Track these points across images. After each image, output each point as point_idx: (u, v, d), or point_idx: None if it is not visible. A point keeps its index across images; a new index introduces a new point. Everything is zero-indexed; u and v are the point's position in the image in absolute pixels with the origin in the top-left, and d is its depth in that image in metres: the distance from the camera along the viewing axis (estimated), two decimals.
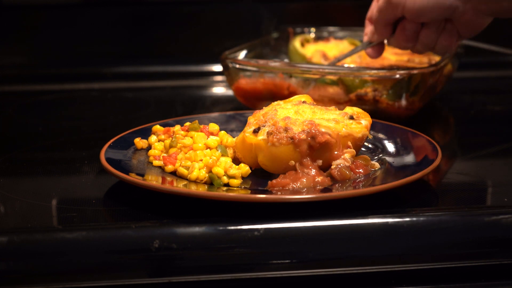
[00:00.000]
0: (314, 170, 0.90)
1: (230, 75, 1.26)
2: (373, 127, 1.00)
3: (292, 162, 0.90)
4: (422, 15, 1.07)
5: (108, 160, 0.92)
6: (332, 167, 0.91)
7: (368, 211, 0.82)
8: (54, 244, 0.79)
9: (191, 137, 0.97)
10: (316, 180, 0.89)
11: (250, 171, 0.93)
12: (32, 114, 1.39)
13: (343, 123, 0.93)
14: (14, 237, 0.78)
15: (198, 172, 0.91)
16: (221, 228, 0.80)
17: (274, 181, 0.88)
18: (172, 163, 0.94)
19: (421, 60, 1.31)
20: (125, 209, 0.87)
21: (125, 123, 1.24)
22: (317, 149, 0.90)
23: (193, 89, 1.58)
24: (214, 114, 1.13)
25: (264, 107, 0.99)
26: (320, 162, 0.91)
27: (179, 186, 0.88)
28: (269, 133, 0.91)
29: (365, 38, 1.19)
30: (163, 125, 1.03)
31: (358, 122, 0.94)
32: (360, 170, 0.91)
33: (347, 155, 0.92)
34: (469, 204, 0.89)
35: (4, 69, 1.59)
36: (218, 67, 1.58)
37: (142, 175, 0.91)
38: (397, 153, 0.99)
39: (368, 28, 1.18)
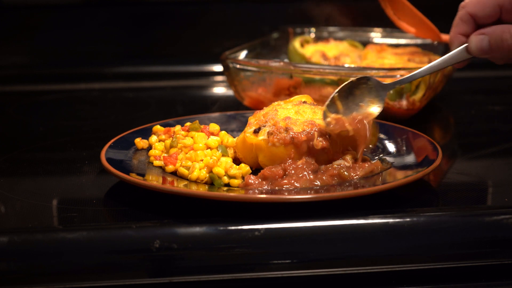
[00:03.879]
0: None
1: (230, 75, 1.26)
2: None
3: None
4: None
5: (109, 160, 0.92)
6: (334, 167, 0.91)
7: (368, 211, 0.82)
8: (54, 244, 0.79)
9: (192, 137, 0.97)
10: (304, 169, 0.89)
11: (250, 171, 0.93)
12: (32, 114, 1.39)
13: None
14: (14, 237, 0.79)
15: (199, 172, 0.91)
16: (221, 228, 0.80)
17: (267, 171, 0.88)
18: (173, 163, 0.94)
19: (422, 60, 1.31)
20: (126, 209, 0.87)
21: (125, 123, 1.24)
22: (317, 151, 0.90)
23: (193, 89, 1.58)
24: (215, 114, 1.13)
25: (264, 107, 0.99)
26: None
27: (180, 186, 0.88)
28: (269, 133, 0.91)
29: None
30: (164, 125, 1.03)
31: None
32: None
33: (347, 156, 0.92)
34: (469, 204, 0.89)
35: (4, 69, 1.59)
36: (218, 67, 1.58)
37: (143, 175, 0.91)
38: (398, 153, 0.99)
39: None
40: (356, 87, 0.92)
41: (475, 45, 0.87)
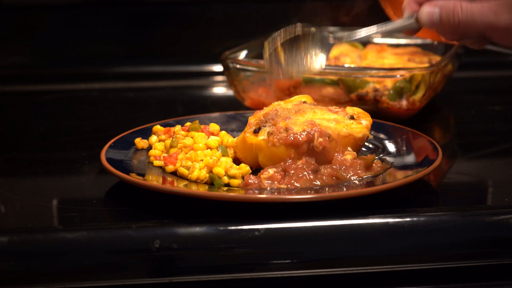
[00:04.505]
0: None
1: (230, 75, 1.26)
2: (373, 127, 1.00)
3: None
4: None
5: (109, 160, 0.92)
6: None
7: (368, 211, 0.83)
8: (54, 244, 0.79)
9: (192, 137, 0.97)
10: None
11: (250, 171, 0.93)
12: (32, 114, 1.39)
13: (344, 123, 0.93)
14: (14, 237, 0.79)
15: (199, 172, 0.91)
16: (221, 228, 0.80)
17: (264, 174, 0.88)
18: (173, 163, 0.94)
19: (422, 60, 1.31)
20: (126, 209, 0.87)
21: (125, 123, 1.24)
22: (317, 151, 0.90)
23: (193, 89, 1.58)
24: (215, 114, 1.13)
25: (264, 107, 0.99)
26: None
27: (180, 186, 0.88)
28: (269, 133, 0.91)
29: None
30: (164, 125, 1.03)
31: (359, 122, 0.94)
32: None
33: (348, 156, 0.92)
34: (469, 204, 0.89)
35: (4, 69, 1.59)
36: (218, 67, 1.58)
37: (143, 175, 0.91)
38: (398, 153, 0.99)
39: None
40: (301, 39, 0.88)
41: (426, 15, 0.86)
